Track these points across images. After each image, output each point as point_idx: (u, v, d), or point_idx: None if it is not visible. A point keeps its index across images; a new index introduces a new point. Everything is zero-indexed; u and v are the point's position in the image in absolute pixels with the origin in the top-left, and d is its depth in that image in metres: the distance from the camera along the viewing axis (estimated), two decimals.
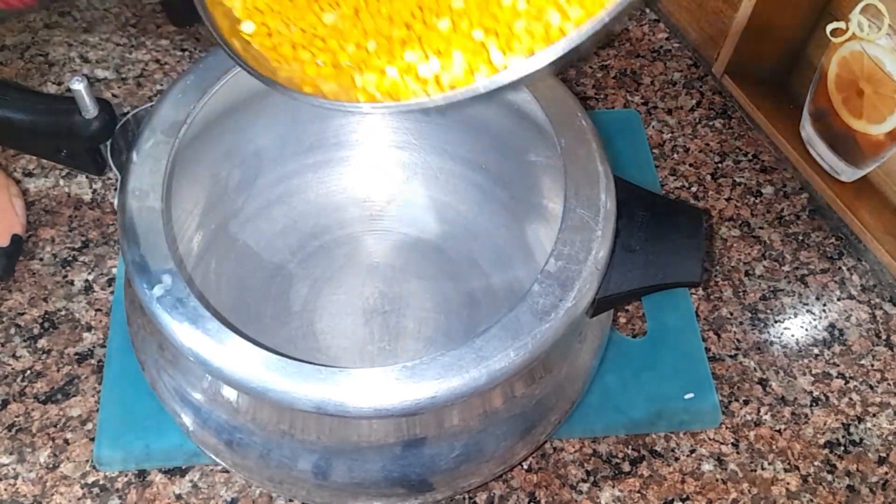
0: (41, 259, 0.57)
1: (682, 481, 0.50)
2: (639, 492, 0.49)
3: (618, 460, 0.50)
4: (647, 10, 0.73)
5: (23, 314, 0.54)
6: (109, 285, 0.56)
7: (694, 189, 0.63)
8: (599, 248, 0.38)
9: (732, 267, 0.59)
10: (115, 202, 0.59)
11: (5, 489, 0.48)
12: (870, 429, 0.52)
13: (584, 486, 0.49)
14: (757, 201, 0.62)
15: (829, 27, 0.56)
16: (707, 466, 0.50)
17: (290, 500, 0.48)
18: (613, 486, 0.49)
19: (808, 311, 0.57)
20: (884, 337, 0.56)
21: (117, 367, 0.51)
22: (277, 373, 0.34)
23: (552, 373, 0.40)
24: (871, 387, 0.54)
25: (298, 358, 0.34)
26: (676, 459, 0.51)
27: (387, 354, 0.52)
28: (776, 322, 0.56)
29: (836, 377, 0.54)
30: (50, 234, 0.58)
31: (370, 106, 0.34)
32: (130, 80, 0.67)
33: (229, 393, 0.37)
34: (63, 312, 0.54)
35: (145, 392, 0.43)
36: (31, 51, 0.68)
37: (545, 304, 0.36)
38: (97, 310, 0.55)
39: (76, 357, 0.53)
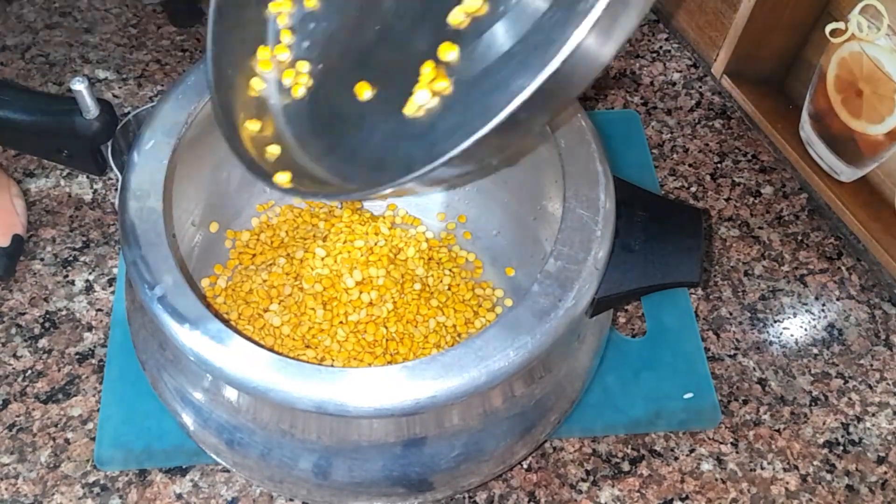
0: (42, 259, 0.57)
1: (682, 481, 0.50)
2: (638, 491, 0.49)
3: (617, 460, 0.50)
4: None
5: (24, 314, 0.54)
6: (110, 285, 0.56)
7: (693, 189, 0.63)
8: (599, 248, 0.38)
9: (732, 267, 0.59)
10: (116, 202, 0.59)
11: (6, 489, 0.48)
12: (869, 428, 0.52)
13: (584, 486, 0.49)
14: (756, 201, 0.62)
15: (829, 28, 0.56)
16: (706, 466, 0.51)
17: (291, 500, 0.48)
18: (613, 486, 0.49)
19: (807, 310, 0.57)
20: (883, 337, 0.56)
21: (118, 367, 0.51)
22: (278, 373, 0.34)
23: (552, 372, 0.40)
24: (871, 386, 0.54)
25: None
26: (676, 459, 0.51)
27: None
28: (775, 322, 0.56)
29: (836, 377, 0.54)
30: (51, 234, 0.58)
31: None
32: (131, 80, 0.67)
33: (230, 393, 0.38)
34: (64, 312, 0.55)
35: (146, 392, 0.43)
36: (32, 51, 0.68)
37: (545, 304, 0.36)
38: (98, 310, 0.55)
39: (77, 357, 0.53)
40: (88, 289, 0.56)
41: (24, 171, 0.61)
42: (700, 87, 0.69)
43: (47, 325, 0.54)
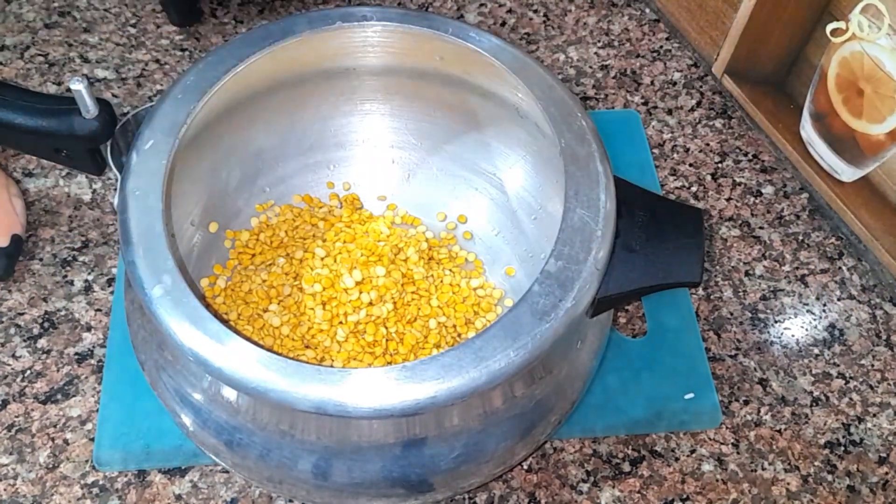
0: (41, 259, 0.57)
1: (683, 481, 0.50)
2: (639, 492, 0.49)
3: (618, 460, 0.50)
4: (647, 10, 0.74)
5: (23, 314, 0.54)
6: (109, 285, 0.56)
7: (694, 189, 0.63)
8: (599, 248, 0.38)
9: (732, 267, 0.59)
10: (115, 202, 0.59)
11: (5, 489, 0.48)
12: (870, 429, 0.52)
13: (585, 487, 0.49)
14: (757, 201, 0.62)
15: (829, 27, 0.56)
16: (707, 466, 0.50)
17: (290, 501, 0.48)
18: (613, 487, 0.49)
19: (808, 311, 0.57)
20: (884, 337, 0.56)
21: (117, 368, 0.51)
22: (277, 373, 0.34)
23: (552, 373, 0.40)
24: (872, 387, 0.54)
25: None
26: (676, 459, 0.51)
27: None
28: (776, 322, 0.56)
29: (837, 377, 0.54)
30: (50, 234, 0.58)
31: None
32: (130, 80, 0.67)
33: (229, 393, 0.37)
34: (63, 312, 0.54)
35: (145, 392, 0.43)
36: (31, 51, 0.68)
37: (545, 304, 0.36)
38: (97, 310, 0.55)
39: (76, 357, 0.53)
40: (87, 289, 0.56)
41: (24, 171, 0.61)
42: (700, 86, 0.69)
43: (46, 325, 0.54)
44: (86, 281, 0.56)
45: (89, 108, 0.50)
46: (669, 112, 0.67)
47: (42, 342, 0.53)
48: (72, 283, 0.56)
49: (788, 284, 0.58)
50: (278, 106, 0.50)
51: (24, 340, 0.53)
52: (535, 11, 0.73)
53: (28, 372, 0.52)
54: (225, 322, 0.37)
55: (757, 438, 0.52)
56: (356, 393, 0.34)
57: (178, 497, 0.48)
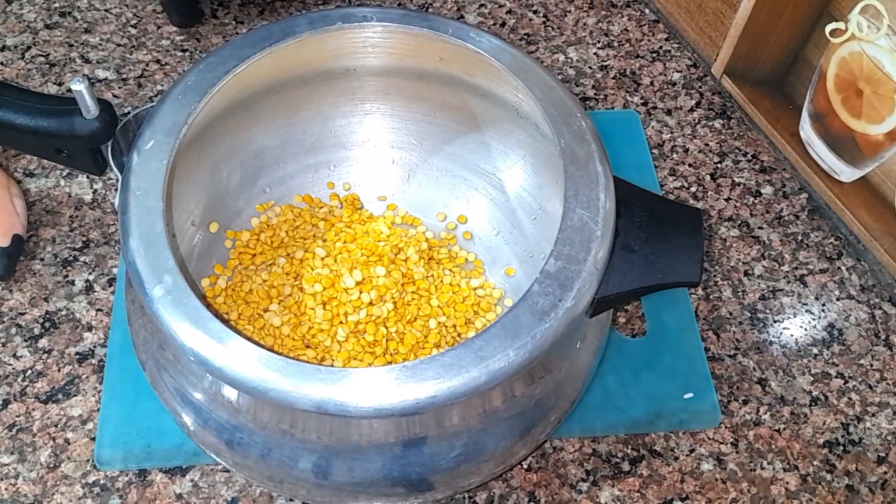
0: (42, 259, 0.57)
1: (682, 481, 0.50)
2: (638, 491, 0.49)
3: (617, 460, 0.50)
4: (647, 11, 0.74)
5: (24, 314, 0.54)
6: (110, 285, 0.56)
7: (693, 189, 0.63)
8: (599, 248, 0.38)
9: (732, 267, 0.59)
10: (116, 202, 0.59)
11: (6, 489, 0.48)
12: (869, 428, 0.52)
13: (584, 486, 0.49)
14: (756, 201, 0.62)
15: (829, 28, 0.56)
16: (706, 466, 0.51)
17: (291, 500, 0.48)
18: (613, 486, 0.49)
19: (807, 310, 0.57)
20: (883, 337, 0.56)
21: (118, 367, 0.51)
22: (278, 373, 0.34)
23: (552, 372, 0.40)
24: (871, 386, 0.54)
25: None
26: (676, 459, 0.51)
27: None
28: (775, 322, 0.56)
29: (836, 377, 0.54)
30: (51, 234, 0.58)
31: None
32: (131, 80, 0.67)
33: (230, 393, 0.38)
34: (64, 312, 0.55)
35: (146, 392, 0.43)
36: (32, 51, 0.68)
37: (545, 304, 0.36)
38: (98, 310, 0.55)
39: (77, 357, 0.53)
40: (88, 289, 0.56)
41: (24, 171, 0.61)
42: (700, 87, 0.69)
43: (47, 325, 0.54)
44: (87, 281, 0.56)
45: (90, 109, 0.50)
46: (669, 112, 0.67)
47: (43, 342, 0.53)
48: (73, 282, 0.56)
49: (787, 284, 0.58)
50: (279, 106, 0.50)
51: (25, 340, 0.53)
52: (535, 12, 0.73)
53: (29, 372, 0.52)
54: (225, 322, 0.37)
55: (756, 438, 0.52)
56: (356, 392, 0.34)
57: (179, 496, 0.48)
